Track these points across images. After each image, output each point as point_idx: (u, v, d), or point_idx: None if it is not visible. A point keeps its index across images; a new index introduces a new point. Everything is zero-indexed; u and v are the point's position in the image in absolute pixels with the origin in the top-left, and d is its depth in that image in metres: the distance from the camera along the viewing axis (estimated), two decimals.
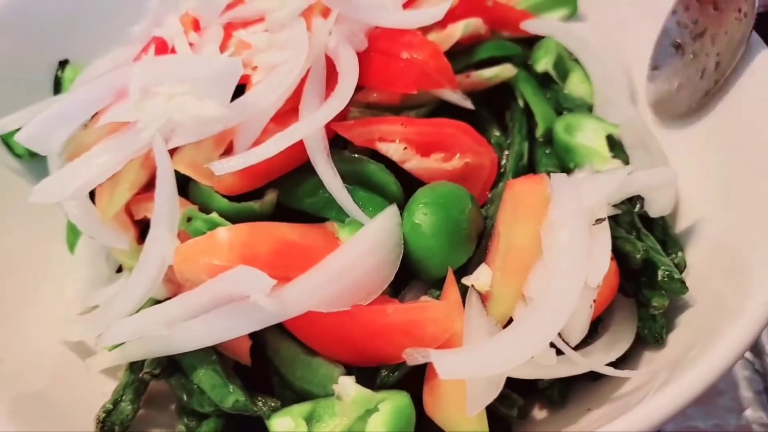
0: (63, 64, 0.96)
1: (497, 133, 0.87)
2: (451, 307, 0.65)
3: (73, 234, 0.87)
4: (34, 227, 0.88)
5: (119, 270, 0.83)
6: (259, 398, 0.66)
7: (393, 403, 0.62)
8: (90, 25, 0.99)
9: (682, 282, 0.69)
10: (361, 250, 0.66)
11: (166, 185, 0.69)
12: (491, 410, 0.66)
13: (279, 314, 0.63)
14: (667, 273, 0.68)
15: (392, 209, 0.70)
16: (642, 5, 0.91)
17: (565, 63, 0.92)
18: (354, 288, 0.65)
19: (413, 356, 0.62)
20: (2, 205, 0.87)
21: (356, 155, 0.76)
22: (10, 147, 0.89)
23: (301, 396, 0.68)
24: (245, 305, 0.63)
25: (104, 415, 0.67)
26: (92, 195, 0.78)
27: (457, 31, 0.83)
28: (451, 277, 0.67)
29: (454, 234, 0.69)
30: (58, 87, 0.95)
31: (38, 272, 0.85)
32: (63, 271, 0.86)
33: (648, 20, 0.89)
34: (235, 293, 0.63)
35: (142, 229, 0.78)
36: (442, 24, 0.81)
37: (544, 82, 0.91)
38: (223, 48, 0.76)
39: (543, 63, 0.91)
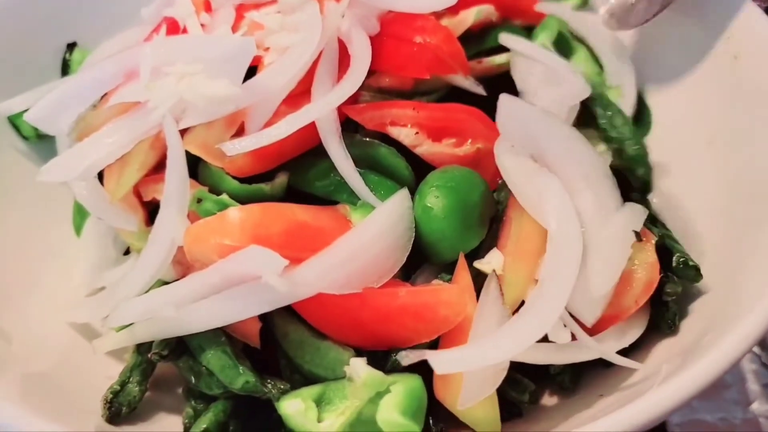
0: (71, 46, 0.95)
1: None
2: (464, 291, 0.64)
3: (79, 216, 0.86)
4: (39, 209, 0.87)
5: (126, 252, 0.82)
6: (269, 381, 0.66)
7: (405, 386, 0.61)
8: (98, 8, 0.98)
9: (697, 269, 0.69)
10: (372, 232, 0.66)
11: (177, 166, 0.69)
12: (502, 395, 0.66)
13: (290, 295, 0.63)
14: (682, 260, 0.68)
15: (403, 193, 0.70)
16: None
17: (568, 42, 0.92)
18: (365, 270, 0.65)
19: (406, 357, 0.62)
20: (9, 186, 0.86)
21: (368, 139, 0.75)
22: (17, 128, 0.89)
23: (309, 380, 0.67)
24: (256, 286, 0.62)
25: (112, 396, 0.67)
26: (100, 176, 0.77)
27: (469, 17, 0.83)
28: (462, 261, 0.67)
29: (466, 217, 0.69)
30: (66, 69, 0.95)
31: (44, 254, 0.85)
32: (68, 254, 0.85)
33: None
34: (246, 274, 0.63)
35: (151, 211, 0.78)
36: (454, 10, 0.81)
37: None
38: (235, 29, 0.76)
39: (541, 38, 0.91)
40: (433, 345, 0.66)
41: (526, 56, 0.83)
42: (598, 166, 0.70)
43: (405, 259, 0.67)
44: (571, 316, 0.63)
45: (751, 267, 0.66)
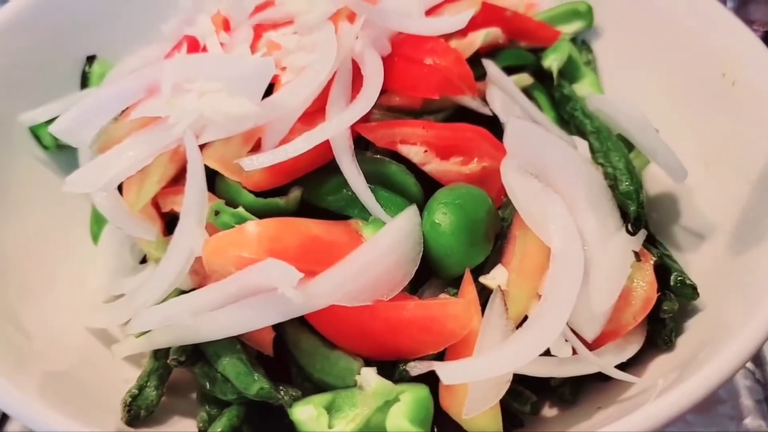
0: (90, 59, 0.98)
1: None
2: (470, 305, 0.67)
3: (96, 224, 0.89)
4: (56, 216, 0.90)
5: (143, 261, 0.85)
6: (281, 387, 0.68)
7: (413, 395, 0.64)
8: (117, 21, 1.01)
9: (694, 288, 0.72)
10: (382, 247, 0.68)
11: (197, 179, 0.72)
12: (505, 406, 0.69)
13: (304, 307, 0.65)
14: (680, 278, 0.71)
15: (412, 209, 0.72)
16: (659, 17, 0.93)
17: (577, 66, 0.95)
18: (376, 284, 0.67)
19: (415, 368, 0.65)
20: (28, 194, 0.89)
21: (378, 156, 0.78)
22: (38, 138, 0.91)
23: (319, 387, 0.70)
24: (272, 297, 0.65)
25: (131, 399, 0.70)
26: (119, 187, 0.80)
27: (477, 39, 0.85)
28: (468, 276, 0.69)
29: (472, 234, 0.72)
30: (85, 82, 0.97)
31: (60, 260, 0.87)
32: (83, 259, 0.88)
33: (665, 32, 0.91)
34: (262, 285, 0.65)
35: (168, 221, 0.81)
36: (462, 32, 0.84)
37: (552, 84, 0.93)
38: (252, 48, 0.79)
39: (549, 60, 0.94)
40: (439, 356, 0.68)
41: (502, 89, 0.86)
42: (601, 188, 0.73)
43: (414, 273, 0.70)
44: (573, 331, 0.66)
45: (746, 285, 0.69)
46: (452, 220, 0.71)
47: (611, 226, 0.71)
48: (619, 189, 0.76)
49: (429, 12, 0.86)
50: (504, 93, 0.83)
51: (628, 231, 0.72)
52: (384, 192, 0.75)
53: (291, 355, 0.72)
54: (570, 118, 0.86)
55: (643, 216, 0.74)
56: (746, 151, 0.79)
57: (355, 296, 0.66)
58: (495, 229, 0.74)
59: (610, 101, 0.85)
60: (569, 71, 0.94)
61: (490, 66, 0.86)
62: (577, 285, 0.66)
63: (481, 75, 0.88)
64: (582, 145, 0.79)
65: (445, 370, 0.62)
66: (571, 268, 0.67)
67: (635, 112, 0.82)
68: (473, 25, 0.86)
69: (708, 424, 0.92)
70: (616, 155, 0.79)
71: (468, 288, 0.69)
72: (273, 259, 0.64)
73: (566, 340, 0.64)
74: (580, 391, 0.73)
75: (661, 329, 0.71)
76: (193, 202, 0.71)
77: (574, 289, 0.66)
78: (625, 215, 0.74)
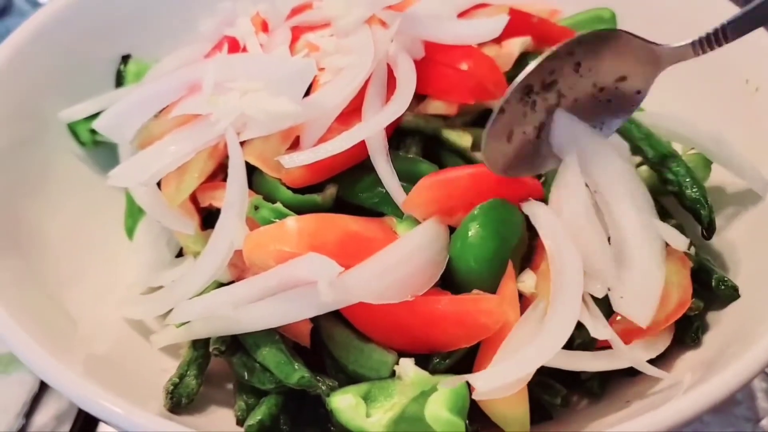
0: (126, 58, 1.01)
1: None
2: (503, 300, 0.69)
3: (131, 218, 0.91)
4: (93, 210, 0.92)
5: (179, 254, 0.87)
6: (318, 377, 0.70)
7: (451, 384, 0.66)
8: (152, 20, 1.03)
9: (735, 288, 0.74)
10: (413, 245, 0.70)
11: (238, 175, 0.74)
12: (535, 399, 0.71)
13: (342, 301, 0.68)
14: (722, 281, 0.73)
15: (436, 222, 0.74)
16: (680, 24, 0.95)
17: None
18: (406, 281, 0.69)
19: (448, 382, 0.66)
20: (66, 188, 0.91)
21: (411, 156, 0.80)
22: (75, 134, 0.94)
23: (353, 379, 0.71)
24: (310, 290, 0.67)
25: (172, 387, 0.71)
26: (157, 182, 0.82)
27: (515, 49, 0.87)
28: (510, 272, 0.71)
29: (503, 254, 0.71)
30: (120, 80, 1.00)
31: (97, 252, 0.89)
32: (118, 253, 0.90)
33: (686, 37, 0.93)
34: (302, 278, 0.67)
35: (205, 216, 0.83)
36: (496, 39, 0.85)
37: None
38: (291, 50, 0.81)
39: None
40: (472, 350, 0.70)
41: None
42: (639, 186, 0.75)
43: (439, 276, 0.71)
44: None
45: None
46: (483, 236, 0.71)
47: (650, 217, 0.73)
48: (686, 196, 0.77)
49: (460, 16, 0.89)
50: None
51: (703, 236, 0.73)
52: None
53: (325, 347, 0.74)
54: None
55: (714, 221, 0.75)
56: None
57: (390, 292, 0.67)
58: (524, 248, 0.75)
59: (675, 117, 0.85)
60: None
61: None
62: (579, 285, 0.68)
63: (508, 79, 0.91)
64: (623, 146, 0.80)
65: (478, 380, 0.64)
66: (570, 266, 0.68)
67: (709, 129, 0.82)
68: (503, 32, 0.87)
69: (724, 424, 0.94)
70: (673, 161, 0.80)
71: (508, 284, 0.70)
72: (314, 253, 0.66)
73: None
74: (608, 384, 0.75)
75: (688, 327, 0.73)
76: (235, 197, 0.74)
77: (577, 287, 0.67)
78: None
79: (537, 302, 0.69)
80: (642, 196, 0.74)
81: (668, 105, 0.91)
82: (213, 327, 0.72)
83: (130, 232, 0.92)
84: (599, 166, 0.74)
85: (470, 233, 0.71)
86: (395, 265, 0.69)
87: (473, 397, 0.65)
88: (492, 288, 0.71)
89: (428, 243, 0.72)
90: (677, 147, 0.85)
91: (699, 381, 0.63)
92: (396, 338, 0.71)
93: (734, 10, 0.89)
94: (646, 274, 0.69)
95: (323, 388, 0.69)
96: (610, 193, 0.73)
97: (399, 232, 0.74)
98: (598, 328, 0.66)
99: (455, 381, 0.64)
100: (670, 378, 0.69)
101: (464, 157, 0.83)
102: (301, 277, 0.67)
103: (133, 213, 0.91)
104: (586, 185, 0.73)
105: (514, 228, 0.73)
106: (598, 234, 0.70)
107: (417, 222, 0.74)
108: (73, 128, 0.93)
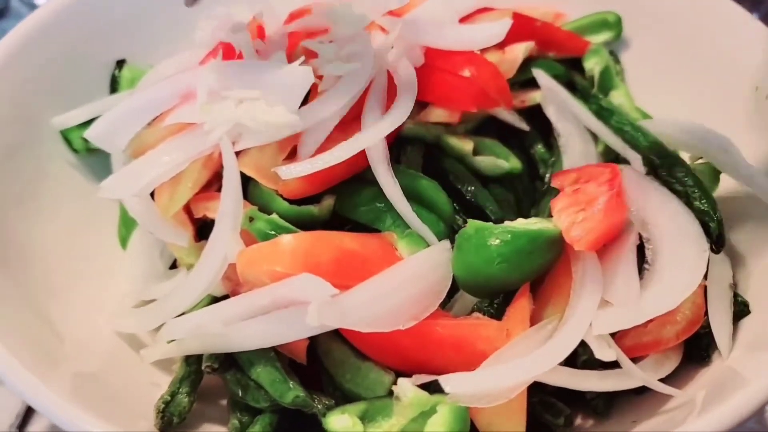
0: (120, 63, 0.98)
1: (542, 149, 0.90)
2: (503, 327, 0.67)
3: (125, 228, 0.89)
4: (85, 220, 0.90)
5: (173, 266, 0.85)
6: (314, 396, 0.68)
7: (450, 406, 0.63)
8: (147, 25, 1.01)
9: (746, 304, 0.72)
10: (411, 273, 0.68)
11: (232, 186, 0.72)
12: (537, 418, 0.69)
13: (334, 325, 0.65)
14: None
15: (445, 245, 0.71)
16: (688, 29, 0.93)
17: (611, 76, 0.94)
18: (405, 308, 0.66)
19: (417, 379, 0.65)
20: (58, 196, 0.88)
21: (411, 170, 0.78)
22: (69, 141, 0.91)
23: (348, 397, 0.70)
24: (304, 311, 0.64)
25: (163, 405, 0.69)
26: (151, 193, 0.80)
27: (519, 54, 0.85)
28: (524, 292, 0.68)
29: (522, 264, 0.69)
30: (114, 86, 0.97)
31: (89, 263, 0.87)
32: (111, 264, 0.88)
33: (695, 45, 0.91)
34: (296, 299, 0.65)
35: (199, 227, 0.81)
36: (499, 45, 0.83)
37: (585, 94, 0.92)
38: (288, 56, 0.79)
39: (591, 63, 0.94)
40: None
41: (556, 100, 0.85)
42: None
43: (438, 304, 0.68)
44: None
45: None
46: (504, 248, 0.68)
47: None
48: (695, 207, 0.74)
49: (462, 21, 0.86)
50: (557, 101, 0.82)
51: (711, 250, 0.71)
52: (415, 207, 0.74)
53: (321, 364, 0.72)
54: (618, 132, 0.84)
55: (724, 234, 0.73)
56: None
57: (379, 320, 0.64)
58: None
59: (683, 125, 0.82)
60: (603, 81, 0.93)
61: (541, 76, 0.86)
62: (594, 304, 0.66)
63: (510, 86, 0.88)
64: (636, 160, 0.78)
65: (448, 381, 0.62)
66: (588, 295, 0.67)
67: (720, 137, 0.79)
68: (507, 37, 0.85)
69: None
70: (681, 171, 0.78)
71: (522, 304, 0.68)
72: (307, 274, 0.64)
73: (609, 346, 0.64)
74: (613, 404, 0.73)
75: (698, 344, 0.71)
76: (229, 209, 0.71)
77: (589, 313, 0.65)
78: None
79: (546, 322, 0.67)
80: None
81: (677, 111, 0.90)
82: (205, 344, 0.70)
83: (123, 241, 0.90)
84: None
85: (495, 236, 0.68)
86: (392, 292, 0.66)
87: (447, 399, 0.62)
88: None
89: (430, 270, 0.69)
90: (685, 156, 0.83)
91: (710, 402, 0.61)
92: (392, 359, 0.69)
93: (739, 12, 0.88)
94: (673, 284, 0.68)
95: (319, 407, 0.67)
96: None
97: (400, 248, 0.72)
98: (603, 349, 0.64)
99: (451, 408, 0.62)
100: (682, 396, 0.66)
101: (465, 163, 0.80)
102: (294, 297, 0.65)
103: (127, 222, 0.89)
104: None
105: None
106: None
107: (420, 239, 0.72)
108: (66, 135, 0.91)
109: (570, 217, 0.69)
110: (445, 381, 0.62)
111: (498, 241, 0.68)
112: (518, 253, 0.67)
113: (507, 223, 0.70)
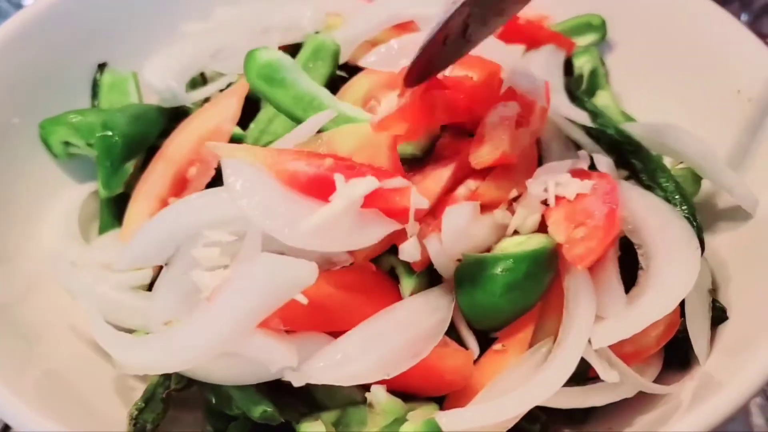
0: (102, 66, 0.98)
1: None
2: (470, 358, 0.66)
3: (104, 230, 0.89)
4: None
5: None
6: (288, 403, 0.68)
7: (423, 413, 0.63)
8: (130, 28, 1.00)
9: (723, 310, 0.71)
10: (405, 318, 0.66)
11: None
12: (514, 425, 0.68)
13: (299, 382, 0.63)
14: (710, 302, 0.71)
15: (447, 285, 0.70)
16: (672, 32, 0.93)
17: (599, 77, 0.94)
18: (386, 361, 0.64)
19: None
20: (37, 201, 0.88)
21: None
22: (48, 146, 0.90)
23: (321, 405, 0.69)
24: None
25: (137, 412, 0.68)
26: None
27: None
28: (525, 324, 0.68)
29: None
30: (95, 90, 0.97)
31: None
32: None
33: (679, 47, 0.91)
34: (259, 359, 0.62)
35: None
36: None
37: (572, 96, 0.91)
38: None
39: (582, 61, 0.94)
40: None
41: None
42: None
43: (429, 351, 0.65)
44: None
45: (762, 305, 0.69)
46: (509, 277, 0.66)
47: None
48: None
49: None
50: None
51: None
52: None
53: None
54: (600, 134, 0.83)
55: (703, 240, 0.72)
56: (762, 169, 0.78)
57: (353, 377, 0.63)
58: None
59: (665, 129, 0.80)
60: (591, 80, 0.93)
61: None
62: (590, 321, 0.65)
63: None
64: (604, 161, 0.77)
65: (445, 418, 0.61)
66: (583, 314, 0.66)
67: (701, 144, 0.78)
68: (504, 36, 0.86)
69: None
70: (663, 176, 0.77)
71: (520, 338, 0.67)
72: (271, 340, 0.61)
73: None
74: (591, 411, 0.72)
75: (677, 349, 0.71)
76: None
77: (583, 338, 0.65)
78: None
79: (539, 346, 0.66)
80: None
81: (659, 114, 0.90)
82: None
83: (104, 229, 0.89)
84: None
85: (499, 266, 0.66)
86: (381, 344, 0.64)
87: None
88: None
89: (424, 316, 0.67)
90: (667, 160, 0.83)
91: (688, 407, 0.61)
92: None
93: (720, 12, 0.87)
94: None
95: (294, 414, 0.66)
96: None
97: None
98: (607, 372, 0.64)
99: (424, 415, 0.61)
100: (653, 404, 0.66)
101: None
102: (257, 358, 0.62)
103: (106, 224, 0.89)
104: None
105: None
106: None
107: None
108: (45, 139, 0.90)
109: (566, 230, 0.67)
110: (441, 417, 0.61)
111: (500, 269, 0.66)
112: (525, 278, 0.66)
113: (499, 246, 0.69)
